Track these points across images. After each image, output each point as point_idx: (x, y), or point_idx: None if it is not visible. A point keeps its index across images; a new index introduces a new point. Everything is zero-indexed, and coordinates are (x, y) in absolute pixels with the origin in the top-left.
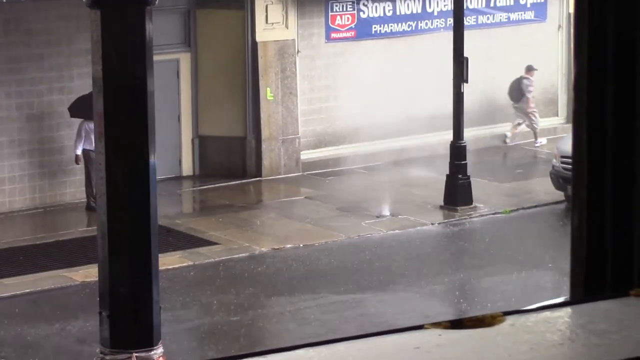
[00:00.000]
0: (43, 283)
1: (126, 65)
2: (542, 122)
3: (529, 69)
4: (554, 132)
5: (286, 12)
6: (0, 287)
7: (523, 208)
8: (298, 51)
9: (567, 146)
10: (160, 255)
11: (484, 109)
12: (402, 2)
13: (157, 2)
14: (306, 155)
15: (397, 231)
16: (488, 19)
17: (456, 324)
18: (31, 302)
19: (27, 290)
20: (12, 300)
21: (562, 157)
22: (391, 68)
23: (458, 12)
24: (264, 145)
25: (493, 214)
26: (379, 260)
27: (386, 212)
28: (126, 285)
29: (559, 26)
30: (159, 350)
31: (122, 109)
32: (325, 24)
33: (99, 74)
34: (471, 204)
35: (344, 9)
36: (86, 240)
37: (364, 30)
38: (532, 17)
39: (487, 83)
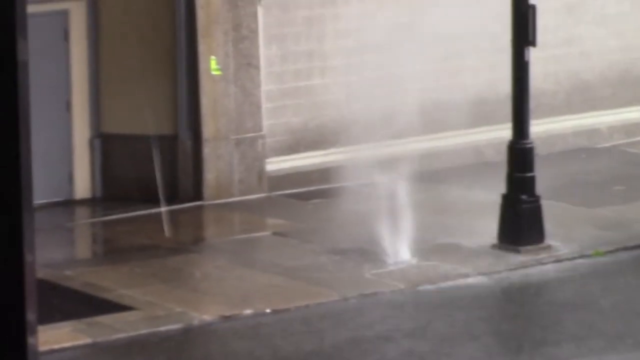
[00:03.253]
0: None
1: None
2: None
3: None
4: None
5: None
6: None
7: (626, 248)
8: None
9: None
10: (40, 328)
11: (564, 89)
12: None
13: None
14: (275, 164)
15: (422, 287)
16: None
17: None
18: None
19: None
20: None
21: None
22: (411, 24)
23: None
24: (206, 149)
25: (577, 257)
26: (393, 336)
27: (405, 255)
28: None
29: None
30: None
31: None
32: None
33: None
34: (542, 241)
35: None
36: None
37: None
38: None
39: (566, 47)
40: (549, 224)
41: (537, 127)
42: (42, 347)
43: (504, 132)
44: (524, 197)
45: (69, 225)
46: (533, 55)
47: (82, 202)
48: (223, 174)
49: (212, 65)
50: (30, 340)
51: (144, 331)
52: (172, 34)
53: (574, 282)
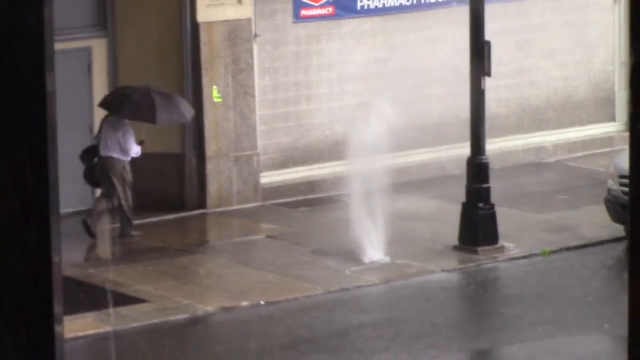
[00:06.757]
0: None
1: (13, 56)
2: (594, 130)
3: None
4: (609, 142)
5: None
6: None
7: (568, 248)
8: (256, 35)
9: (627, 163)
10: (66, 318)
11: (514, 112)
12: None
13: None
14: (268, 178)
15: (394, 282)
16: None
17: None
18: None
19: None
20: None
21: (622, 177)
22: (384, 58)
23: None
24: (209, 165)
25: (527, 256)
26: (370, 324)
27: (379, 255)
28: None
29: None
30: None
31: (9, 119)
32: None
33: None
34: (496, 242)
35: None
36: None
37: (346, 5)
38: None
39: (517, 77)
40: (502, 228)
41: (492, 145)
42: (69, 335)
43: (464, 149)
44: (480, 205)
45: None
46: (488, 84)
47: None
48: (223, 186)
49: (214, 94)
50: (57, 329)
51: (156, 320)
52: (180, 67)
53: (524, 277)
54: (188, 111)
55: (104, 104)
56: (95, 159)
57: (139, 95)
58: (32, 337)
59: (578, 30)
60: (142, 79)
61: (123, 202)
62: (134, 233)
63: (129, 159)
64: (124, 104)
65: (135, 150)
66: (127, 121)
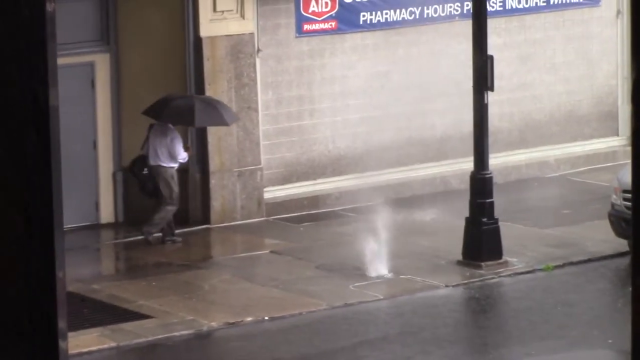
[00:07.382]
0: None
1: (16, 71)
2: (598, 144)
3: None
4: (612, 157)
5: None
6: None
7: (572, 263)
8: (259, 50)
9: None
10: (70, 334)
11: (518, 127)
12: None
13: None
14: (272, 193)
15: (398, 297)
16: (520, 2)
17: None
18: None
19: None
20: None
21: (625, 191)
22: (387, 72)
23: None
24: (212, 180)
25: (530, 271)
26: (375, 339)
27: (383, 270)
28: None
29: (618, 12)
30: None
31: (13, 133)
32: (295, 12)
33: None
34: (500, 258)
35: None
36: None
37: (349, 20)
38: (582, 0)
39: (520, 91)
40: (506, 243)
41: (495, 160)
42: (73, 351)
43: (467, 164)
44: (484, 219)
45: (96, 246)
46: (491, 98)
47: (107, 225)
48: (227, 201)
49: None
50: (62, 344)
51: (160, 336)
52: (183, 82)
53: (528, 293)
54: (230, 117)
55: (147, 110)
56: (146, 170)
57: (179, 101)
58: (37, 352)
59: (581, 44)
60: (145, 94)
61: (169, 208)
62: (176, 238)
63: (177, 165)
64: (164, 109)
65: (182, 156)
66: (172, 127)
